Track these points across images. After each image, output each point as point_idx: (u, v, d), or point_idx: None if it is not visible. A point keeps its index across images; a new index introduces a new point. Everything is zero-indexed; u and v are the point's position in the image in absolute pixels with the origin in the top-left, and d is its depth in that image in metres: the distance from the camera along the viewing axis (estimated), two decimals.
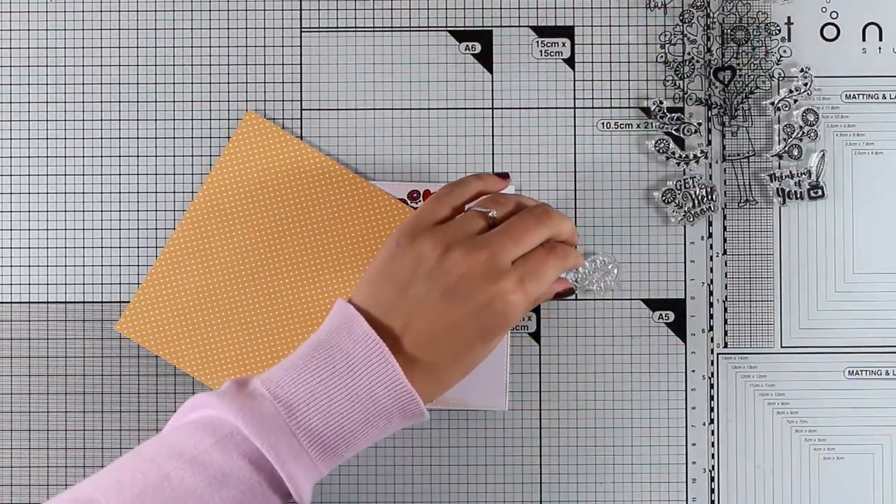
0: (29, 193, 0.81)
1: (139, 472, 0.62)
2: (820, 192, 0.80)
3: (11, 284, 0.80)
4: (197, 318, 0.79)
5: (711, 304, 0.80)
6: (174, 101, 0.81)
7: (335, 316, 0.67)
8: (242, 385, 0.65)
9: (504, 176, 0.74)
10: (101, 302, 0.80)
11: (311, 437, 0.64)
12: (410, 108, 0.81)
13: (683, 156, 0.80)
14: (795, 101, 0.80)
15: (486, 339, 0.68)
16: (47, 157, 0.81)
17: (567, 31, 0.81)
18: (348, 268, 0.79)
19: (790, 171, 0.80)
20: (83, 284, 0.80)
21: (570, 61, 0.81)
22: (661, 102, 0.80)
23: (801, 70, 0.80)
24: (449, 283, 0.66)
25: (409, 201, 0.80)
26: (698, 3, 0.81)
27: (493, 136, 0.81)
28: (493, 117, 0.81)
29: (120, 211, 0.81)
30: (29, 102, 0.81)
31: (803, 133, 0.80)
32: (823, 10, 0.81)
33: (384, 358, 0.65)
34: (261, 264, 0.79)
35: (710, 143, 0.81)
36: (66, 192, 0.81)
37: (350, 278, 0.79)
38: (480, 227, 0.69)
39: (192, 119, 0.81)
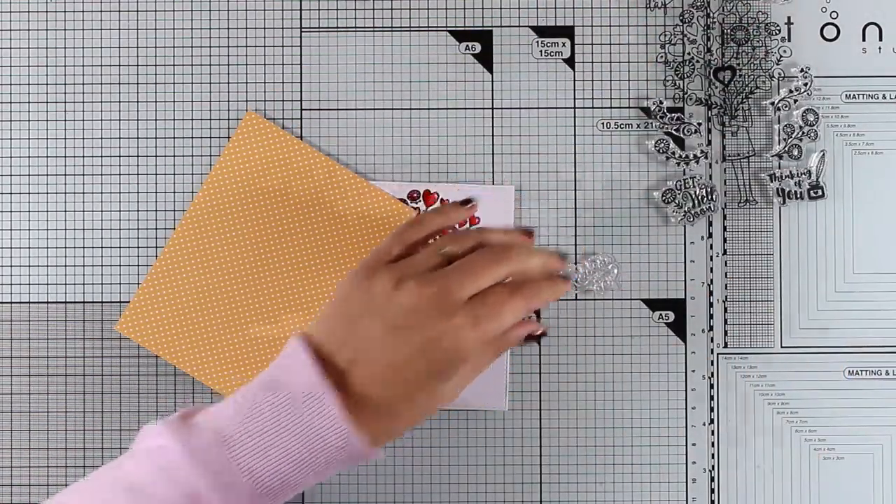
0: (29, 193, 0.81)
1: (93, 497, 0.63)
2: (820, 192, 0.80)
3: (11, 284, 0.80)
4: (197, 318, 0.79)
5: (711, 304, 0.80)
6: (174, 101, 0.81)
7: (286, 352, 0.66)
8: (188, 417, 0.64)
9: (467, 203, 0.72)
10: (101, 302, 0.80)
11: (250, 474, 0.63)
12: (410, 108, 0.81)
13: (683, 156, 0.80)
14: (795, 101, 0.80)
15: (439, 377, 0.65)
16: (47, 157, 0.81)
17: (567, 31, 0.81)
18: (348, 268, 0.79)
19: (790, 171, 0.80)
20: (83, 284, 0.80)
21: (570, 61, 0.81)
22: (661, 102, 0.80)
23: (801, 70, 0.80)
24: (398, 318, 0.65)
25: (409, 201, 0.80)
26: (698, 3, 0.81)
27: (493, 136, 0.81)
28: (493, 117, 0.81)
29: (120, 211, 0.81)
30: (29, 102, 0.81)
31: (803, 133, 0.80)
32: (823, 10, 0.81)
33: (324, 399, 0.63)
34: (261, 264, 0.79)
35: (710, 143, 0.81)
36: (66, 192, 0.81)
37: None
38: (436, 262, 0.67)
39: (192, 119, 0.81)
